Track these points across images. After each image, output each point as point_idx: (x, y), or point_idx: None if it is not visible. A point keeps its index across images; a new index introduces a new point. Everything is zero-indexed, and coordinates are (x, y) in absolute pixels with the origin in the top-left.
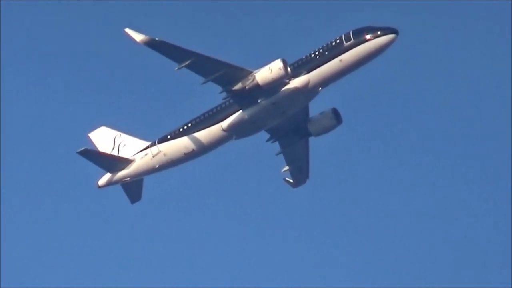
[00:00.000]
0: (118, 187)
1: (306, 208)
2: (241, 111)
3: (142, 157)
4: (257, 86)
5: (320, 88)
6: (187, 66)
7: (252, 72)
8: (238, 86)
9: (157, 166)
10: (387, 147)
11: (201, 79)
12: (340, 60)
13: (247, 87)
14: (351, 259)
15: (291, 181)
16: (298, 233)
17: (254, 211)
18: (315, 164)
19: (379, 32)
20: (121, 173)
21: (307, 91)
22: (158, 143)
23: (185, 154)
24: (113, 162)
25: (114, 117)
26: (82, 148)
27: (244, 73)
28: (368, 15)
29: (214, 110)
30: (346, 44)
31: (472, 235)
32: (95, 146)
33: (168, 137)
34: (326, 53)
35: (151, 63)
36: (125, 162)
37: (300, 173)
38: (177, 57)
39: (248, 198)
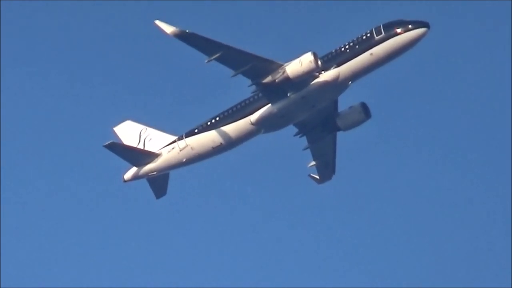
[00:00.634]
0: (144, 181)
1: (331, 205)
2: (270, 104)
3: (169, 151)
4: (287, 79)
5: (350, 82)
6: (217, 59)
7: (283, 65)
8: (268, 79)
9: (184, 160)
10: (415, 143)
11: (230, 72)
12: (371, 54)
13: (277, 80)
14: (376, 258)
15: (317, 177)
16: (322, 230)
17: (279, 206)
18: (342, 159)
19: (410, 26)
20: (148, 167)
21: (337, 85)
22: (186, 137)
23: (212, 148)
24: (140, 156)
25: (139, 111)
26: (109, 142)
27: (274, 66)
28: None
29: (243, 104)
30: (376, 37)
31: (473, 235)
32: (120, 140)
33: (196, 130)
34: (357, 46)
35: (178, 56)
36: (152, 155)
37: (326, 168)
38: (207, 50)
39: (274, 193)
